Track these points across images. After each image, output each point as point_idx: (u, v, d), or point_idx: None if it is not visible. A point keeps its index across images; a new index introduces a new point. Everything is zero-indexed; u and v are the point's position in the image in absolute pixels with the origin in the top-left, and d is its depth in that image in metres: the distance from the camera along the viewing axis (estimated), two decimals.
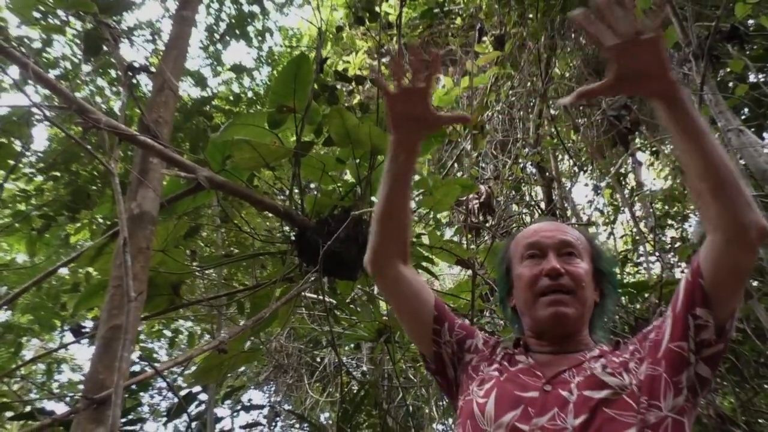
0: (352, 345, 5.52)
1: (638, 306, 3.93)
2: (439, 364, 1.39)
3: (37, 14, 4.80)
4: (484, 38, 5.95)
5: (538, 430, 1.09)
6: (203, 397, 4.36)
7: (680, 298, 1.16)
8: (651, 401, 1.10)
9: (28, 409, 3.52)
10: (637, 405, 1.10)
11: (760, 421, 3.87)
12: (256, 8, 6.60)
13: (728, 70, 3.95)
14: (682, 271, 4.29)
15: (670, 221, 5.41)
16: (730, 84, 4.14)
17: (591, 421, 1.08)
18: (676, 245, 4.69)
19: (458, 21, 6.65)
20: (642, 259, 5.32)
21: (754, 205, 1.08)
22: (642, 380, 1.13)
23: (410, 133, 1.32)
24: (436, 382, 1.48)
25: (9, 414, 3.55)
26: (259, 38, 6.89)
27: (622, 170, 5.73)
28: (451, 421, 4.98)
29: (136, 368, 5.03)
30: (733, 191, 1.07)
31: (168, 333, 7.18)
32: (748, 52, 3.77)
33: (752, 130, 3.27)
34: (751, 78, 3.95)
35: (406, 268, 1.41)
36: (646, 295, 3.66)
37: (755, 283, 3.29)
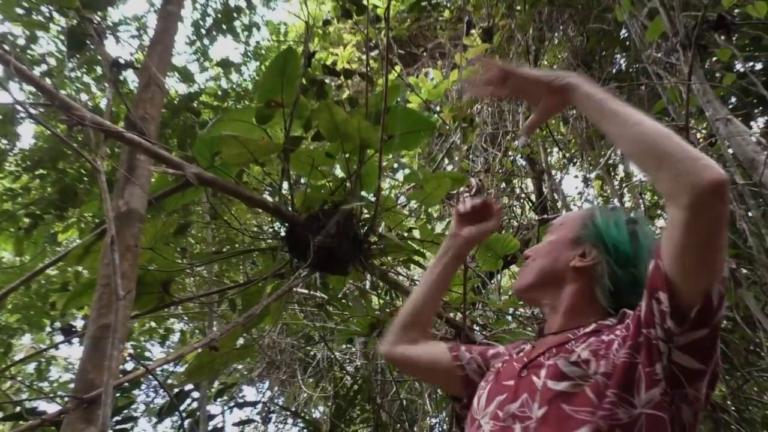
0: (345, 340, 5.52)
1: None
2: (470, 386, 1.38)
3: (20, 11, 4.75)
4: (473, 31, 5.94)
5: (510, 417, 1.10)
6: (196, 394, 4.34)
7: (646, 282, 1.07)
8: (622, 394, 1.02)
9: (18, 409, 3.49)
10: (599, 399, 1.03)
11: (750, 408, 3.91)
12: (242, 2, 6.56)
13: (715, 59, 3.96)
14: None
15: (659, 211, 5.44)
16: (717, 74, 4.15)
17: (547, 416, 1.05)
18: None
19: (446, 14, 6.64)
20: None
21: (697, 162, 0.95)
22: (616, 366, 1.05)
23: (468, 235, 1.54)
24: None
25: None
26: (246, 33, 6.85)
27: (612, 161, 5.75)
28: (444, 414, 4.99)
29: (129, 366, 5.01)
30: (660, 156, 1.01)
31: (161, 331, 7.16)
32: (735, 42, 3.79)
33: (740, 119, 3.29)
34: (738, 67, 3.96)
35: (405, 349, 1.54)
36: None
37: (744, 272, 3.31)
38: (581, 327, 1.22)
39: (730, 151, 3.15)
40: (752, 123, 4.39)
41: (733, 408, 3.40)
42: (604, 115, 1.13)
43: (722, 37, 3.45)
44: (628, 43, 5.44)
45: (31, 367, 7.38)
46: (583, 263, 1.28)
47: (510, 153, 5.80)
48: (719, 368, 1.06)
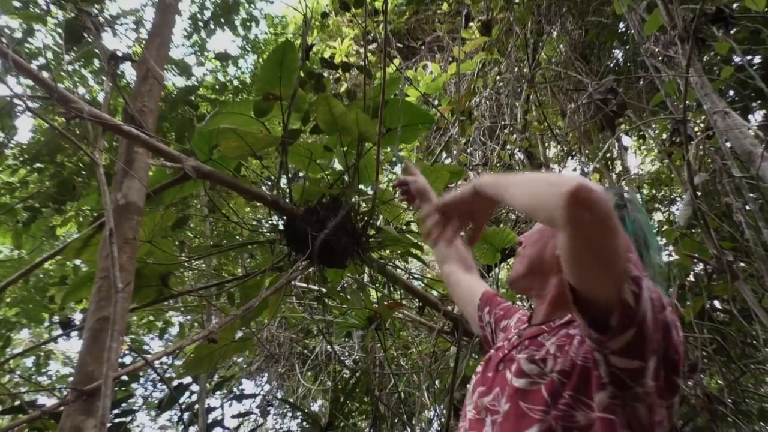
0: (344, 333, 5.53)
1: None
2: (487, 345, 1.56)
3: (17, 3, 4.73)
4: (471, 24, 5.93)
5: (484, 410, 1.15)
6: (194, 388, 4.36)
7: None
8: (579, 396, 1.03)
9: (18, 403, 3.50)
10: (553, 399, 1.03)
11: (746, 400, 3.92)
12: None
13: (714, 52, 3.96)
14: (670, 254, 4.32)
15: (657, 205, 5.45)
16: (715, 68, 4.15)
17: (509, 412, 1.07)
18: (663, 228, 4.72)
19: (445, 7, 6.62)
20: None
21: (555, 188, 0.95)
22: (575, 365, 1.06)
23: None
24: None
25: None
26: (245, 26, 6.82)
27: (609, 155, 5.75)
28: (441, 407, 5.01)
29: (128, 359, 5.02)
30: (535, 206, 1.05)
31: (159, 324, 7.16)
32: (733, 35, 3.79)
33: (738, 112, 3.29)
34: (737, 60, 3.96)
35: (465, 275, 1.73)
36: None
37: (741, 265, 3.32)
38: (559, 319, 1.24)
39: (728, 144, 3.15)
40: (750, 116, 4.40)
41: (729, 400, 3.41)
42: (502, 192, 1.18)
43: (720, 31, 3.45)
44: (626, 36, 5.44)
45: (29, 361, 7.39)
46: None
47: (508, 146, 5.80)
48: (678, 354, 1.04)
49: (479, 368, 1.30)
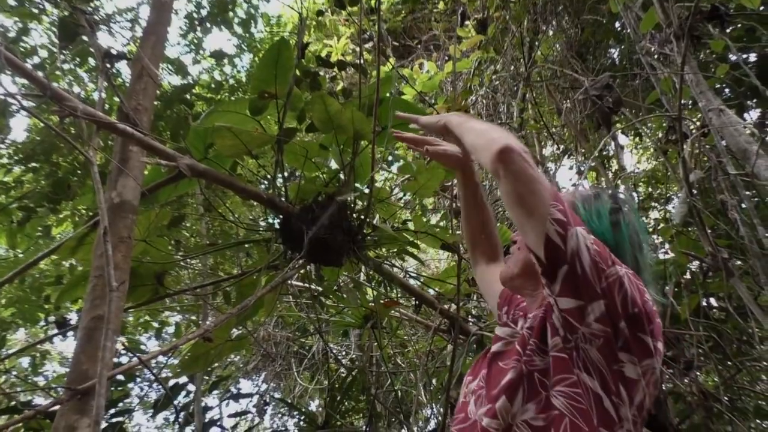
0: (340, 332, 5.53)
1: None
2: None
3: (12, 2, 4.71)
4: (467, 22, 5.92)
5: (470, 393, 1.25)
6: (190, 387, 4.34)
7: None
8: (540, 344, 1.16)
9: (14, 403, 3.49)
10: (523, 348, 1.17)
11: (742, 398, 3.93)
12: None
13: (709, 50, 3.97)
14: (665, 252, 4.33)
15: (653, 203, 5.46)
16: (711, 65, 4.16)
17: (488, 376, 1.21)
18: (659, 226, 4.73)
19: (441, 5, 6.62)
20: None
21: (491, 143, 1.17)
22: (539, 318, 1.20)
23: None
24: None
25: None
26: (244, 25, 6.81)
27: (605, 153, 5.75)
28: (438, 405, 5.01)
29: (123, 360, 5.00)
30: (476, 150, 1.29)
31: (155, 324, 7.15)
32: (728, 32, 3.79)
33: (733, 110, 3.29)
34: (732, 58, 3.97)
35: (490, 266, 1.73)
36: None
37: (737, 262, 3.33)
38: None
39: (723, 141, 3.16)
40: (745, 114, 4.40)
41: (725, 398, 3.42)
42: (462, 133, 1.43)
43: (716, 28, 3.45)
44: (622, 34, 5.44)
45: (25, 362, 7.37)
46: None
47: None
48: (640, 311, 1.12)
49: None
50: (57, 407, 2.01)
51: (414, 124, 1.70)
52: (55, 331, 3.56)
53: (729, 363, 3.65)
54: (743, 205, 3.32)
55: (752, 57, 4.49)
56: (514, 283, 1.44)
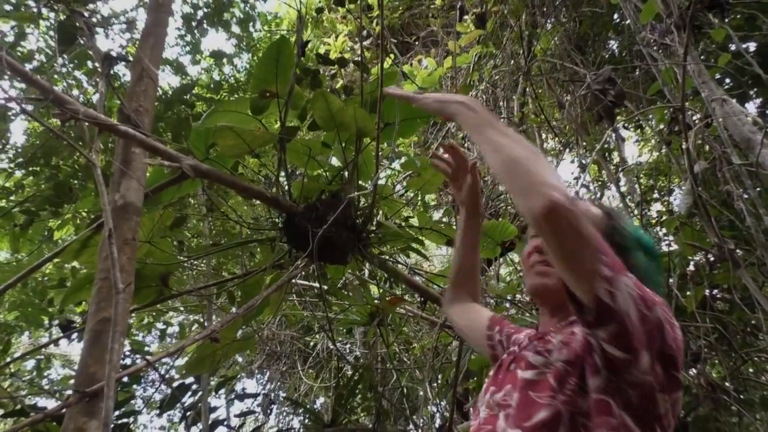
0: (345, 330, 5.53)
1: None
2: (495, 362, 1.52)
3: (8, 7, 4.69)
4: (466, 17, 5.91)
5: (497, 406, 1.20)
6: (195, 387, 4.34)
7: None
8: (581, 383, 1.10)
9: (19, 406, 3.48)
10: (560, 385, 1.10)
11: (748, 389, 3.93)
12: None
13: (710, 40, 3.95)
14: (668, 245, 4.32)
15: (655, 195, 5.45)
16: (712, 56, 4.14)
17: (519, 402, 1.15)
18: (662, 219, 4.73)
19: (438, 1, 6.60)
20: None
21: (533, 189, 1.06)
22: (579, 355, 1.13)
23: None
24: None
25: (0, 411, 3.51)
26: (242, 24, 6.79)
27: (607, 146, 5.74)
28: (444, 402, 5.02)
29: (127, 361, 5.00)
30: (511, 183, 1.13)
31: (159, 325, 7.15)
32: (729, 21, 3.78)
33: (735, 99, 3.28)
34: (733, 47, 3.96)
35: (473, 304, 1.69)
36: None
37: (742, 252, 3.32)
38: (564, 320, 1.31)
39: (727, 131, 3.14)
40: (747, 103, 4.39)
41: (731, 389, 3.42)
42: (481, 142, 1.25)
43: (716, 18, 3.44)
44: (621, 26, 5.43)
45: (30, 365, 7.37)
46: None
47: None
48: (673, 349, 1.10)
49: (492, 372, 1.36)
50: (65, 410, 2.01)
51: (410, 102, 1.52)
52: (60, 334, 3.56)
53: (735, 354, 3.65)
54: (748, 195, 3.31)
55: (753, 45, 4.47)
56: (547, 296, 1.37)
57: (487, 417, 1.21)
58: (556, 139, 6.51)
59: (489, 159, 1.20)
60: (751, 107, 4.79)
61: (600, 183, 6.38)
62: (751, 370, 4.11)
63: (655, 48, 3.82)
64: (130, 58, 3.04)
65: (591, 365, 1.10)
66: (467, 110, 1.31)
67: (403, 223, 3.40)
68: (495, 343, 1.52)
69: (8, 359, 4.76)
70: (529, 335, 1.45)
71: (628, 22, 4.15)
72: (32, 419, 2.17)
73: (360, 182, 3.02)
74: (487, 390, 1.28)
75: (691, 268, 3.61)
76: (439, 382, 4.66)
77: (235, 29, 6.82)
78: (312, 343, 6.06)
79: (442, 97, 1.41)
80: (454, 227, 3.39)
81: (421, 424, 4.87)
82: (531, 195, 1.05)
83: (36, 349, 5.94)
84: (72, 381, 2.18)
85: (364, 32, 6.58)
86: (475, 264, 1.72)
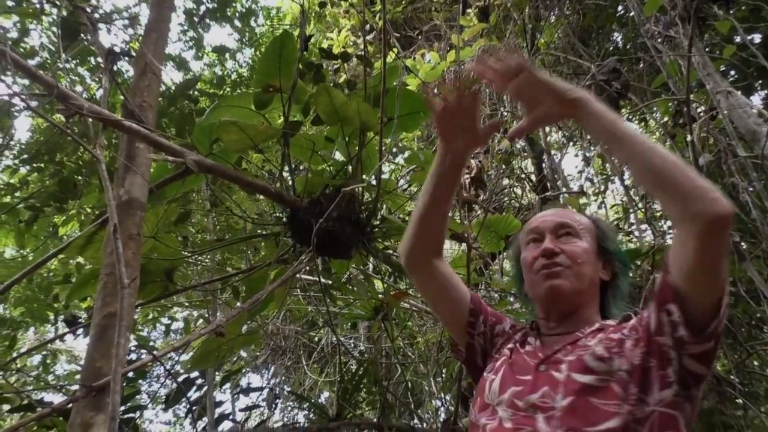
0: (350, 324, 5.54)
1: (631, 274, 3.95)
2: (471, 353, 1.46)
3: (10, 2, 4.70)
4: (469, 11, 5.89)
5: (531, 407, 1.14)
6: (199, 381, 4.35)
7: (656, 292, 1.15)
8: (640, 394, 1.09)
9: (26, 401, 3.50)
10: (626, 393, 1.09)
11: (753, 381, 3.92)
12: None
13: (715, 31, 3.93)
14: (672, 238, 4.31)
15: None
16: (717, 48, 4.12)
17: (576, 406, 1.10)
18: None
19: None
20: (633, 227, 5.35)
21: (705, 195, 1.02)
22: (635, 365, 1.12)
23: (457, 145, 1.38)
24: (465, 368, 1.55)
25: (7, 407, 3.53)
26: (244, 19, 6.79)
27: None
28: (449, 396, 5.03)
29: (133, 356, 5.02)
30: (672, 186, 1.06)
31: (165, 321, 7.18)
32: (734, 13, 3.76)
33: (740, 91, 3.27)
34: (738, 39, 3.93)
35: (440, 262, 1.47)
36: (639, 262, 3.67)
37: (747, 245, 3.31)
38: (586, 326, 1.29)
39: (732, 124, 3.13)
40: (753, 95, 4.37)
41: (737, 382, 3.42)
42: (615, 138, 1.15)
43: (721, 9, 3.42)
44: (625, 19, 5.40)
45: (36, 360, 7.41)
46: (605, 276, 1.39)
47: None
48: None
49: (500, 371, 1.28)
50: (72, 404, 2.02)
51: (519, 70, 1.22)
52: (65, 329, 3.57)
53: (740, 347, 3.64)
54: (753, 188, 3.30)
55: (758, 37, 4.45)
56: (573, 299, 1.33)
57: (516, 418, 1.15)
58: (560, 132, 6.49)
59: (635, 158, 1.11)
60: (756, 99, 4.77)
61: (604, 176, 6.36)
62: (756, 363, 4.10)
63: (659, 40, 3.80)
64: (133, 54, 3.04)
65: (661, 378, 1.10)
66: (594, 101, 1.19)
67: (407, 218, 3.40)
68: (477, 333, 1.45)
69: (14, 354, 4.79)
70: (518, 332, 1.42)
71: (632, 14, 4.13)
72: (39, 414, 2.18)
73: (364, 176, 3.02)
74: (505, 389, 1.22)
75: None
76: (444, 376, 4.66)
77: (238, 24, 6.81)
78: (317, 338, 6.07)
79: (565, 83, 1.24)
80: (458, 222, 3.39)
81: (426, 418, 4.89)
82: (702, 199, 1.02)
83: (42, 344, 5.97)
84: (78, 376, 2.19)
85: (367, 26, 6.56)
86: (448, 212, 1.50)
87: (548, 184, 5.64)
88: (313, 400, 5.01)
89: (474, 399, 1.31)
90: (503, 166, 5.91)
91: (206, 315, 5.72)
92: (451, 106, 1.33)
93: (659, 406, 1.08)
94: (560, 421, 1.09)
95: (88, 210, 4.87)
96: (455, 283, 1.48)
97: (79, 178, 4.86)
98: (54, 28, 5.03)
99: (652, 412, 1.08)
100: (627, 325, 1.22)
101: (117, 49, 2.95)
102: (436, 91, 1.40)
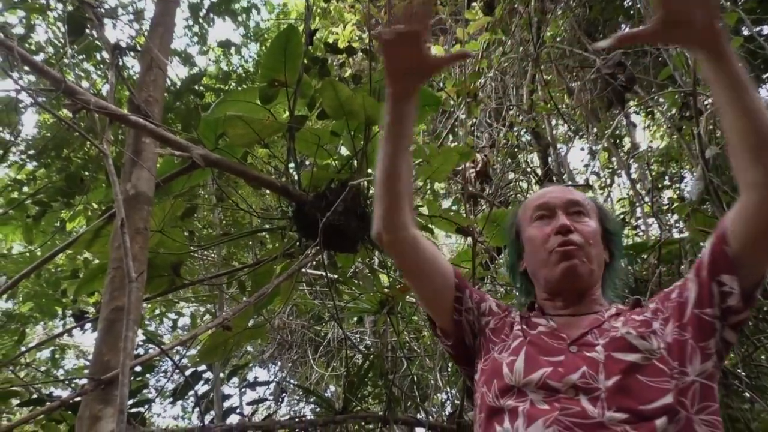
0: (355, 318, 5.55)
1: (637, 267, 3.95)
2: (458, 331, 1.36)
3: None
4: (474, 4, 5.87)
5: (571, 388, 1.09)
6: (208, 375, 4.38)
7: (705, 264, 1.14)
8: (680, 367, 1.09)
9: (35, 395, 3.53)
10: (670, 370, 1.09)
11: (760, 375, 3.91)
12: None
13: (722, 23, 3.90)
14: (680, 232, 4.29)
15: (667, 181, 5.41)
16: None
17: (625, 385, 1.07)
18: (673, 205, 4.69)
19: None
20: (640, 221, 5.33)
21: None
22: (670, 343, 1.12)
23: (408, 81, 1.24)
24: (446, 349, 1.44)
25: (16, 401, 3.56)
26: (247, 13, 6.78)
27: (618, 132, 5.70)
28: (454, 390, 5.03)
29: (140, 351, 5.05)
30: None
31: (172, 316, 7.21)
32: (741, 5, 3.73)
33: None
34: (745, 31, 3.91)
35: (416, 235, 1.33)
36: (645, 256, 3.66)
37: None
38: (604, 311, 1.27)
39: None
40: (761, 87, 4.35)
41: (744, 375, 3.41)
42: (738, 86, 1.05)
43: (728, 1, 3.39)
44: (631, 11, 5.37)
45: (45, 354, 7.46)
46: (606, 257, 1.37)
47: (515, 127, 5.76)
48: None
49: (520, 352, 1.20)
50: (80, 398, 2.04)
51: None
52: (74, 324, 3.60)
53: (747, 341, 3.63)
54: None
55: (766, 29, 4.42)
56: (590, 280, 1.30)
57: (552, 399, 1.10)
58: (566, 125, 6.47)
59: (751, 114, 1.03)
60: (764, 92, 4.74)
61: (610, 170, 6.34)
62: (763, 356, 4.09)
63: None
64: (139, 49, 3.05)
65: (701, 350, 1.10)
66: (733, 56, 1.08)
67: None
68: (464, 309, 1.36)
69: (23, 349, 4.83)
70: (509, 312, 1.37)
71: (639, 6, 4.10)
72: (48, 407, 2.20)
73: (369, 170, 3.02)
74: (532, 369, 1.15)
75: None
76: (450, 370, 4.67)
77: (242, 18, 6.81)
78: (323, 332, 6.09)
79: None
80: (464, 216, 3.39)
81: (432, 412, 4.90)
82: None
83: (50, 338, 6.01)
84: (86, 371, 2.21)
85: (372, 21, 6.55)
86: (409, 171, 1.36)
87: (554, 178, 5.63)
88: (319, 394, 5.02)
89: (485, 383, 1.23)
90: (509, 160, 5.90)
91: (213, 310, 5.75)
92: (401, 34, 1.16)
93: (700, 377, 1.08)
94: (609, 402, 1.06)
95: (95, 205, 4.89)
96: (436, 255, 1.37)
97: (86, 173, 4.89)
98: (60, 24, 5.04)
99: (692, 382, 1.08)
100: (647, 308, 1.22)
101: (123, 44, 2.96)
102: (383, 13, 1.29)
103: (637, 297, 1.30)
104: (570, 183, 5.17)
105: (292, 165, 3.05)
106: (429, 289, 1.37)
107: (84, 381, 2.09)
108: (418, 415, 4.38)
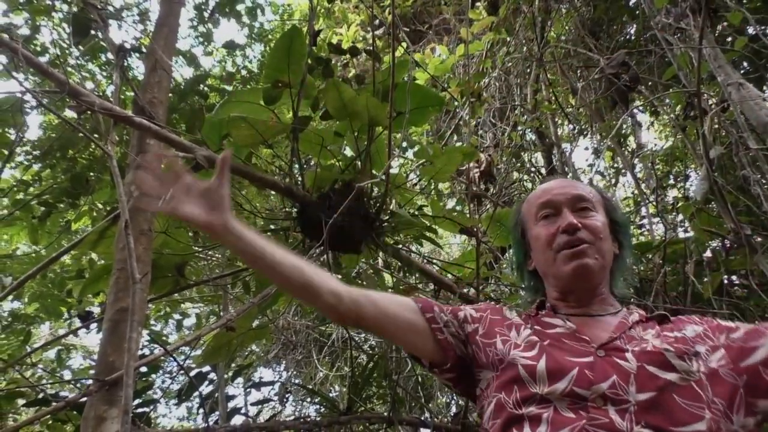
0: None
1: (642, 267, 3.94)
2: (447, 350, 1.30)
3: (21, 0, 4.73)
4: (478, 4, 5.86)
5: (599, 398, 1.04)
6: (211, 376, 4.39)
7: None
8: (726, 410, 1.04)
9: (41, 395, 3.55)
10: (706, 397, 1.04)
11: None
12: None
13: (726, 23, 3.89)
14: (685, 231, 4.28)
15: (671, 181, 5.40)
16: (728, 39, 4.08)
17: (658, 403, 1.03)
18: (678, 204, 4.68)
19: None
20: (645, 220, 5.32)
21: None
22: (712, 370, 1.08)
23: (213, 217, 1.20)
24: (447, 382, 1.35)
25: (22, 401, 3.58)
26: (251, 14, 6.80)
27: (622, 131, 5.69)
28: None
29: (145, 351, 5.06)
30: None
31: (176, 316, 7.23)
32: (746, 4, 3.72)
33: (752, 83, 3.23)
34: (750, 30, 3.89)
35: (356, 295, 1.28)
36: (650, 255, 3.65)
37: (759, 239, 3.29)
38: (628, 315, 1.24)
39: (743, 116, 3.10)
40: (765, 87, 4.32)
41: None
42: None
43: (732, 1, 3.38)
44: (636, 10, 5.36)
45: (51, 355, 7.49)
46: (616, 251, 1.32)
47: (519, 127, 5.75)
48: None
49: (541, 355, 1.15)
50: (85, 398, 2.05)
51: None
52: (79, 324, 3.61)
53: None
54: (765, 180, 3.27)
55: None
56: (601, 276, 1.27)
57: (578, 407, 1.05)
58: (571, 125, 6.46)
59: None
60: None
61: (615, 169, 6.33)
62: None
63: (670, 32, 3.76)
64: (144, 50, 3.07)
65: (747, 405, 1.05)
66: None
67: (417, 212, 3.40)
68: (442, 325, 1.30)
69: (29, 349, 4.85)
70: (505, 314, 1.33)
71: (643, 6, 4.09)
72: (54, 407, 2.21)
73: (373, 171, 3.02)
74: (559, 374, 1.09)
75: (708, 254, 3.57)
76: None
77: (247, 19, 6.82)
78: (327, 333, 6.10)
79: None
80: (468, 216, 3.39)
81: (436, 413, 4.90)
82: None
83: (55, 339, 6.03)
84: (92, 371, 2.22)
85: (376, 21, 6.56)
86: (295, 263, 1.27)
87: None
88: (323, 395, 5.03)
89: (502, 389, 1.16)
90: (513, 160, 5.89)
91: (218, 310, 5.76)
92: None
93: (743, 430, 1.04)
94: (638, 416, 1.02)
95: (100, 206, 4.91)
96: (389, 300, 1.33)
97: (91, 174, 4.90)
98: (65, 25, 5.06)
99: (735, 430, 1.04)
100: (687, 328, 1.17)
101: (128, 46, 2.97)
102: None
103: (664, 313, 1.25)
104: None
105: (296, 166, 3.05)
106: (403, 330, 1.31)
107: (89, 381, 2.10)
108: (423, 416, 4.38)
